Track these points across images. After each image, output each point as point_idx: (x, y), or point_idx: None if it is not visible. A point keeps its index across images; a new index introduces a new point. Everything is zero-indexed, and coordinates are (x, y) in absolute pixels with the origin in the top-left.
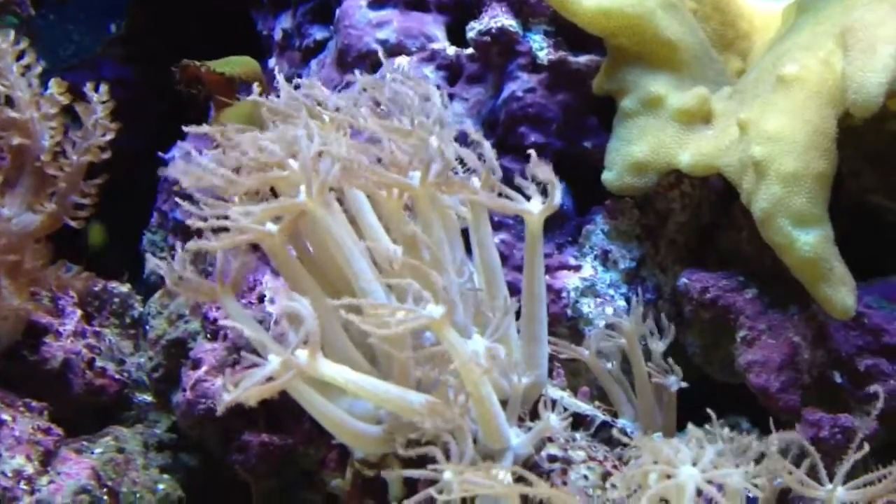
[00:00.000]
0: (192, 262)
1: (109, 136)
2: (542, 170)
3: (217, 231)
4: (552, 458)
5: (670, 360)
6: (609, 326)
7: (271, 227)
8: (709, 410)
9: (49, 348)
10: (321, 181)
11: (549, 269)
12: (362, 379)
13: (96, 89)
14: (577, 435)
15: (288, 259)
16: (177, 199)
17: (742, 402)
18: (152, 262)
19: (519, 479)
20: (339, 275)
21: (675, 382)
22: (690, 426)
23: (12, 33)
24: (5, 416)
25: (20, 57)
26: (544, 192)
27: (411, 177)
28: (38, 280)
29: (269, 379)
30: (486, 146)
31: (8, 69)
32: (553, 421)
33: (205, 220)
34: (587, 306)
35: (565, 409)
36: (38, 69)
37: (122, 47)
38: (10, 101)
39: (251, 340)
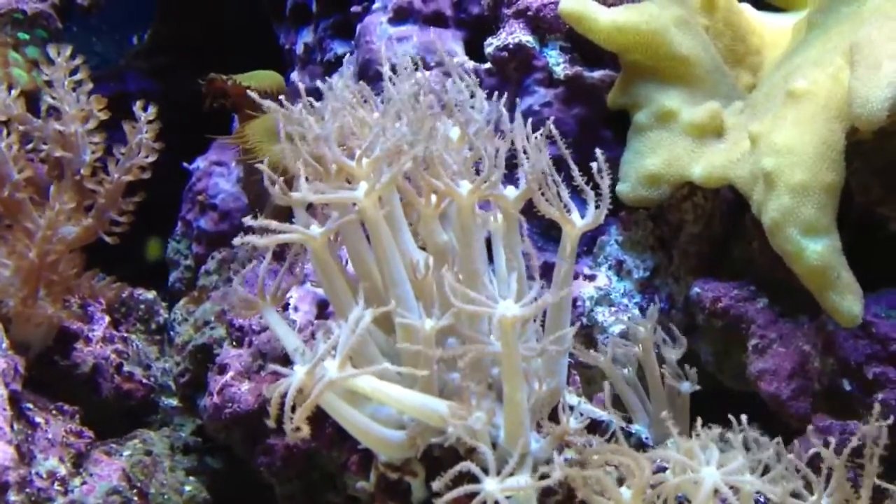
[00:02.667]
0: (218, 270)
1: (152, 158)
2: (602, 185)
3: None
4: (570, 463)
5: (686, 366)
6: (624, 335)
7: (315, 229)
8: (731, 417)
9: (80, 353)
10: (384, 181)
11: None
12: (388, 387)
13: (145, 108)
14: (594, 440)
15: (328, 263)
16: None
17: (754, 409)
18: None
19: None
20: (369, 283)
21: (688, 387)
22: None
23: (69, 48)
24: (39, 420)
25: (74, 72)
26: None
27: (460, 185)
28: (72, 289)
29: (300, 391)
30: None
31: (60, 82)
32: (572, 425)
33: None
34: (602, 315)
35: (582, 415)
36: (89, 86)
37: (145, 59)
38: (56, 113)
39: (291, 354)
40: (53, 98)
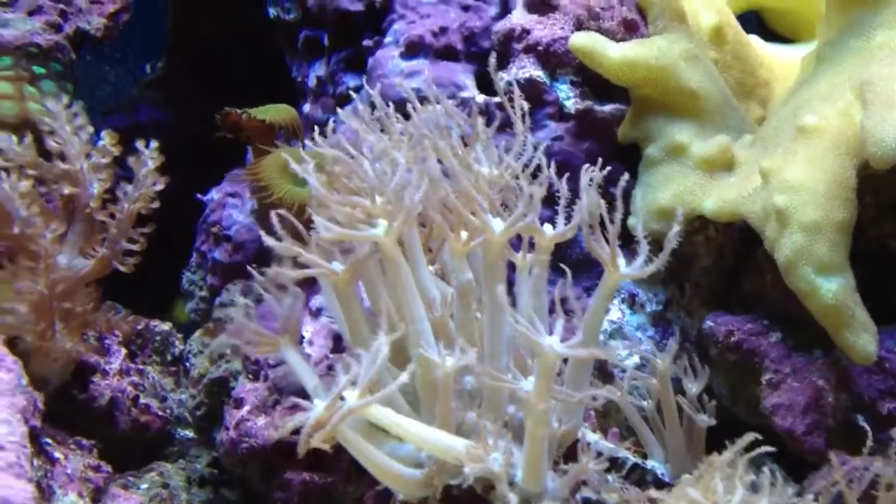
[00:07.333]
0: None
1: (160, 186)
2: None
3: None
4: (586, 501)
5: (704, 398)
6: (639, 368)
7: (338, 265)
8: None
9: (97, 387)
10: (403, 217)
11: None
12: (407, 422)
13: (147, 144)
14: (610, 477)
15: (351, 299)
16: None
17: (768, 442)
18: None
19: None
20: (387, 318)
21: (706, 420)
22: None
23: (65, 98)
24: (58, 455)
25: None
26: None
27: (491, 223)
28: (89, 322)
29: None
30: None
31: (61, 128)
32: (590, 465)
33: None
34: (616, 348)
35: (599, 454)
36: (90, 130)
37: (158, 91)
38: (61, 155)
39: (311, 392)
40: (57, 143)
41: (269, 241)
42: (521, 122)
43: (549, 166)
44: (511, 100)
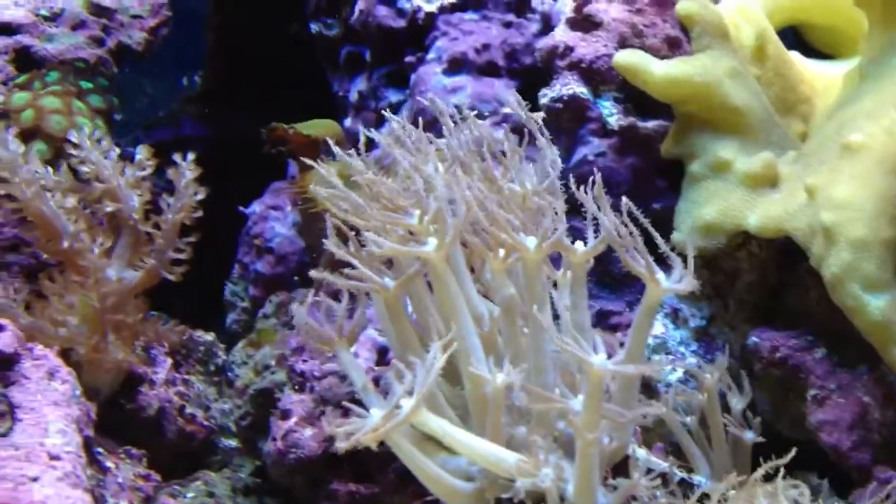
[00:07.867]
0: (275, 313)
1: (201, 195)
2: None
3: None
4: None
5: (749, 414)
6: (684, 382)
7: (388, 280)
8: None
9: (145, 397)
10: (452, 234)
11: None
12: (460, 433)
13: (184, 157)
14: (658, 492)
15: (400, 313)
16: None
17: (811, 457)
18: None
19: None
20: (436, 331)
21: (752, 437)
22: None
23: (87, 128)
24: (109, 464)
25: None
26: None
27: (525, 240)
28: (139, 333)
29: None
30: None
31: (90, 154)
32: (643, 483)
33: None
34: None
35: (650, 470)
36: (117, 151)
37: (200, 105)
38: (97, 178)
39: (358, 390)
40: (90, 168)
41: (332, 247)
42: (542, 138)
43: (593, 182)
44: (547, 116)
